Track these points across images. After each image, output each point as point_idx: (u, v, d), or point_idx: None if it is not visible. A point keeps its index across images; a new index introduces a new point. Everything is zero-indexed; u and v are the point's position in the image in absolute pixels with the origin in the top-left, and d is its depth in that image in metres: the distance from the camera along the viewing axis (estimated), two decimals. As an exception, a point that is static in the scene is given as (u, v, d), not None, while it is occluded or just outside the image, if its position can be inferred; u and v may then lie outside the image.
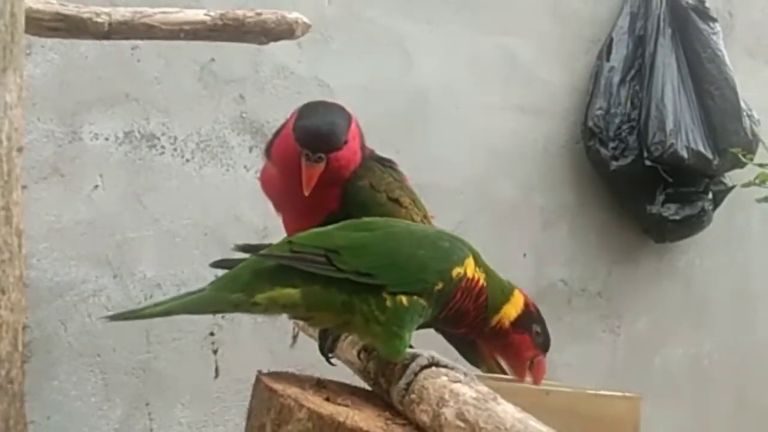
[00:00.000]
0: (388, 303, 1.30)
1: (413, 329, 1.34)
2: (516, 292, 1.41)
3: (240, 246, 1.41)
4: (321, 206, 1.53)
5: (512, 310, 1.40)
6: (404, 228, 1.41)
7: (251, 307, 1.31)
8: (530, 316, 1.42)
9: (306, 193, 1.49)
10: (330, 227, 1.39)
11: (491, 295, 1.38)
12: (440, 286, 1.33)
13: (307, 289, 1.30)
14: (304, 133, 1.52)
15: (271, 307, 1.31)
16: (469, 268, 1.36)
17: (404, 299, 1.30)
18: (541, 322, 1.44)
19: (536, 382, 1.46)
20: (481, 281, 1.37)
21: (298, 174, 1.51)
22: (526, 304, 1.42)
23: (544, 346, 1.45)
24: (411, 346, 1.32)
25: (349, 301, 1.30)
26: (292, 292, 1.29)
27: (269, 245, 1.38)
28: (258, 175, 1.73)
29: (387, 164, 1.62)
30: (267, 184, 1.62)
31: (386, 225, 1.40)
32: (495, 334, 1.40)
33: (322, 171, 1.50)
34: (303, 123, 1.54)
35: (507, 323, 1.40)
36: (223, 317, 2.42)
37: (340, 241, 1.33)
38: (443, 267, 1.34)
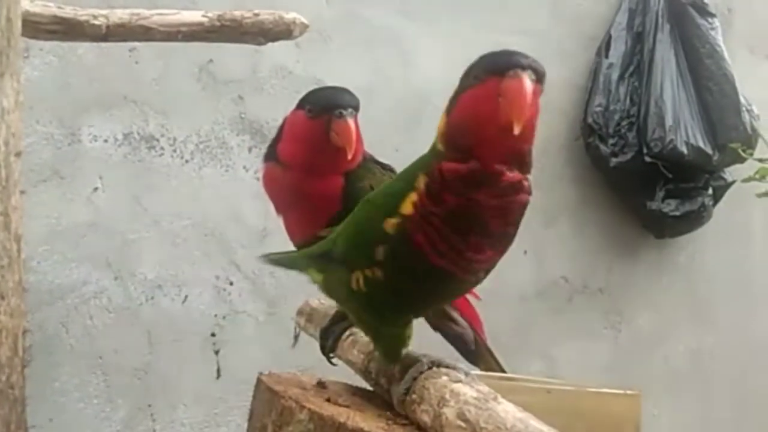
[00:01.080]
0: (353, 284, 1.22)
1: (404, 322, 1.25)
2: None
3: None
4: (324, 209, 1.53)
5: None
6: (378, 192, 1.28)
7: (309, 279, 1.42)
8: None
9: (350, 154, 1.48)
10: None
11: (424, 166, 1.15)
12: (380, 251, 1.16)
13: (326, 276, 1.35)
14: (329, 96, 1.53)
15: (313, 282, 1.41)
16: (408, 205, 1.14)
17: (360, 277, 1.19)
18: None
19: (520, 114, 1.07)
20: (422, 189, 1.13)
21: (318, 156, 1.50)
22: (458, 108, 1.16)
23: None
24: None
25: (337, 289, 1.30)
26: (317, 276, 1.38)
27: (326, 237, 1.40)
28: (257, 175, 1.73)
29: (387, 168, 1.62)
30: (270, 186, 1.61)
31: (369, 196, 1.30)
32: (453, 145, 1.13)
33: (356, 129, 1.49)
34: (319, 94, 1.55)
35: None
36: (224, 318, 2.42)
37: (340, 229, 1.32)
38: (378, 225, 1.16)
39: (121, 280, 2.30)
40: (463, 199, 1.11)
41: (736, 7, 3.37)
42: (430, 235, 1.12)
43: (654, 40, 3.02)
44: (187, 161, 2.39)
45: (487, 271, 1.20)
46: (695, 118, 3.00)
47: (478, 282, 1.22)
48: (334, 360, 1.58)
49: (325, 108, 1.49)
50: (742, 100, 3.07)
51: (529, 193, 1.15)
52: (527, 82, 1.06)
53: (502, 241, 1.17)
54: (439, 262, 1.14)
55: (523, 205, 1.15)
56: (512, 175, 1.12)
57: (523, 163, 1.13)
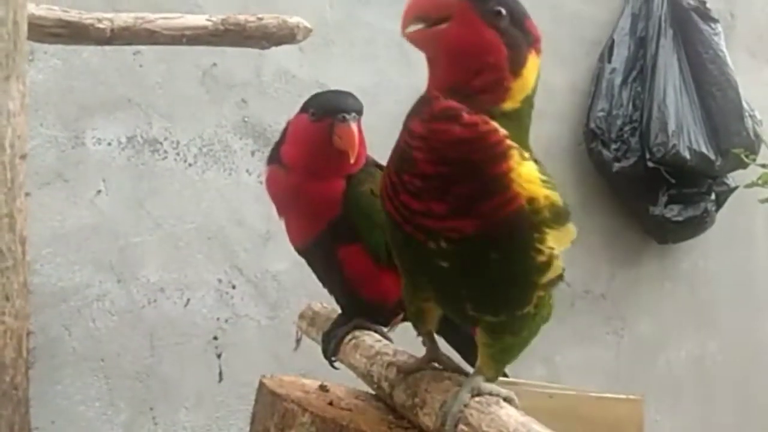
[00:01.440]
0: None
1: (416, 292, 1.20)
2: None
3: None
4: (324, 211, 1.53)
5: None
6: None
7: None
8: None
9: (353, 157, 1.47)
10: None
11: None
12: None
13: None
14: (332, 99, 1.53)
15: None
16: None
17: None
18: None
19: None
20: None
21: (321, 159, 1.51)
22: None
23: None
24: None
25: None
26: None
27: None
28: (260, 179, 1.74)
29: None
30: (273, 188, 1.62)
31: None
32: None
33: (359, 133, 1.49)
34: (322, 98, 1.56)
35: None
36: (226, 321, 2.42)
37: None
38: None
39: (123, 283, 2.30)
40: (404, 131, 1.09)
41: (738, 13, 3.37)
42: (384, 178, 1.12)
43: (657, 45, 3.03)
44: (190, 165, 2.40)
45: (452, 241, 1.04)
46: (698, 124, 3.00)
47: (443, 254, 1.05)
48: (336, 364, 1.59)
49: (328, 111, 1.50)
50: (744, 105, 3.08)
51: (473, 131, 1.01)
52: None
53: (446, 193, 1.02)
54: (387, 206, 1.10)
55: (456, 140, 1.01)
56: (445, 102, 1.02)
57: (466, 95, 1.03)
